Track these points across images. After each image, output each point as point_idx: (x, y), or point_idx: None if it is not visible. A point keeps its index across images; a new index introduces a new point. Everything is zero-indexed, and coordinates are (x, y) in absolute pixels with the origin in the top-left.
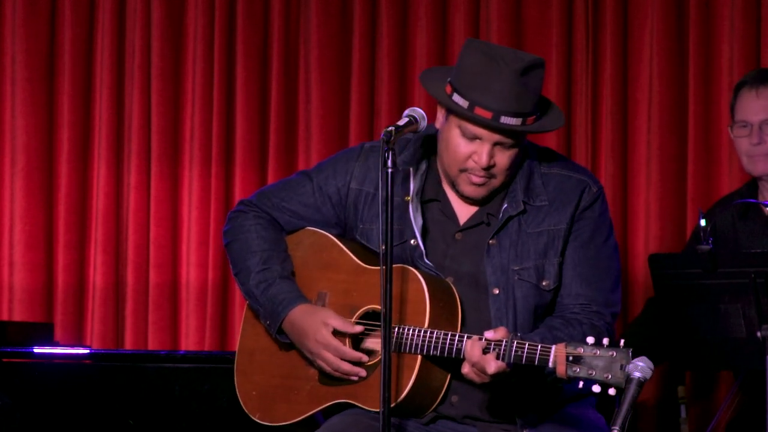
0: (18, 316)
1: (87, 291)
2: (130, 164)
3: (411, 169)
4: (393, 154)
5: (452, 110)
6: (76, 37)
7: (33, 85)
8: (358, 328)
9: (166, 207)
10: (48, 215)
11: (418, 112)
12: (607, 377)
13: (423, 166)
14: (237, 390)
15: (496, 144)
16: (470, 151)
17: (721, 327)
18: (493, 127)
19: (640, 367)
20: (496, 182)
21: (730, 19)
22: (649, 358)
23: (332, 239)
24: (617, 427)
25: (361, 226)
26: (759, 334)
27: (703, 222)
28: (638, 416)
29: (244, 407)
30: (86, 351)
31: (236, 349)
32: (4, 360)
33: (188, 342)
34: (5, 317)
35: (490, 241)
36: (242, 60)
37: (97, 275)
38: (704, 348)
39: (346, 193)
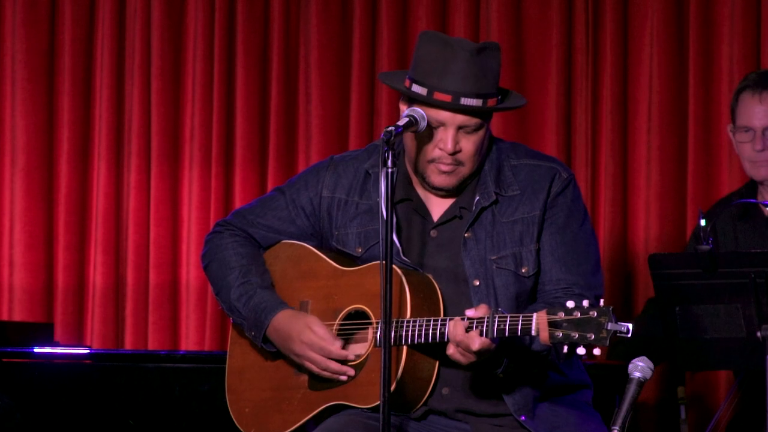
0: (18, 316)
1: (87, 291)
2: (130, 164)
3: (392, 170)
4: (393, 155)
5: (413, 100)
6: (76, 37)
7: (33, 85)
8: (338, 345)
9: (166, 207)
10: (48, 215)
11: (418, 112)
12: (590, 337)
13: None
14: (230, 409)
15: (460, 129)
16: (436, 139)
17: (721, 327)
18: (453, 108)
19: (640, 367)
20: (464, 170)
21: (730, 19)
22: (649, 358)
23: (309, 248)
24: (617, 427)
25: (336, 233)
26: (759, 334)
27: (703, 222)
28: (638, 416)
29: (238, 425)
30: (86, 351)
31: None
32: (4, 360)
33: (188, 342)
34: (5, 317)
35: (466, 234)
36: (242, 60)
37: (97, 275)
38: (704, 348)
39: (318, 202)
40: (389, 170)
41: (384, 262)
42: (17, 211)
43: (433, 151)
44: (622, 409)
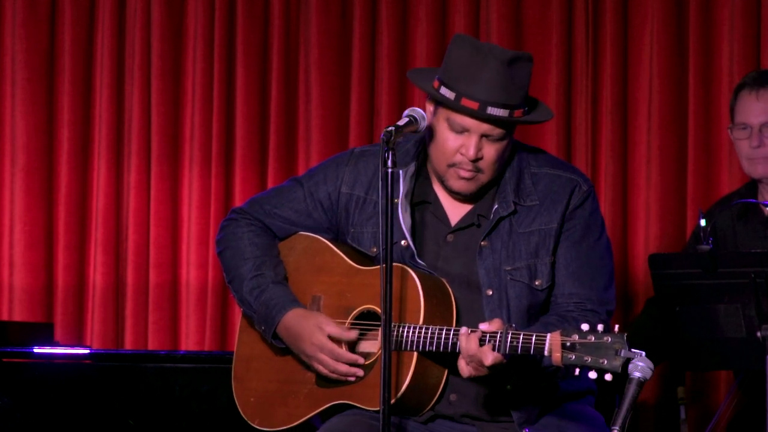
0: (18, 316)
1: (87, 291)
2: (130, 164)
3: (400, 171)
4: (393, 154)
5: (440, 103)
6: (76, 37)
7: (33, 85)
8: (353, 335)
9: (166, 207)
10: (48, 215)
11: (418, 112)
12: (603, 363)
13: (412, 168)
14: (235, 398)
15: (483, 136)
16: (458, 144)
17: (721, 327)
18: (479, 116)
19: (640, 367)
20: (484, 177)
21: (730, 19)
22: (649, 358)
23: (325, 243)
24: (617, 427)
25: (352, 230)
26: (759, 334)
27: (703, 222)
28: (638, 416)
29: (242, 414)
30: (86, 351)
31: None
32: (4, 360)
33: (188, 342)
34: (5, 317)
35: (482, 243)
36: (242, 60)
37: (97, 275)
38: (704, 348)
39: (336, 197)
40: (389, 170)
41: (384, 265)
42: (17, 211)
43: (455, 155)
44: (622, 409)
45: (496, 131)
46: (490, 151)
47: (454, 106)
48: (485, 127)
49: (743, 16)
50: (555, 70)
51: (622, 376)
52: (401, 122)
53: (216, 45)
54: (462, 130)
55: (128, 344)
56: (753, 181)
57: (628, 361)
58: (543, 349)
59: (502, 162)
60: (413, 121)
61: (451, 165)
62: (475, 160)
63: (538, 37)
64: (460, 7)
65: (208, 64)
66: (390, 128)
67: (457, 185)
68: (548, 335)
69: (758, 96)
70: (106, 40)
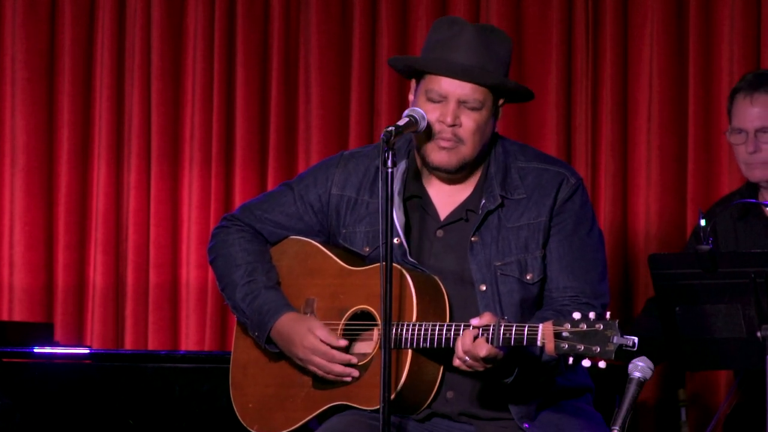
0: (18, 316)
1: (87, 291)
2: (130, 164)
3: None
4: (393, 155)
5: (419, 74)
6: (76, 37)
7: (33, 85)
8: (343, 342)
9: (166, 207)
10: (48, 215)
11: (418, 112)
12: (595, 350)
13: (403, 166)
14: (233, 404)
15: (461, 103)
16: (438, 114)
17: (721, 327)
18: (453, 71)
19: (640, 367)
20: (464, 150)
21: (730, 19)
22: (650, 358)
23: (316, 245)
24: (617, 427)
25: (344, 231)
26: (759, 334)
27: (703, 222)
28: (638, 417)
29: (242, 421)
30: (86, 351)
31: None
32: (4, 360)
33: (188, 342)
34: (5, 317)
35: (473, 239)
36: (242, 60)
37: (97, 275)
38: (704, 348)
39: (327, 199)
40: (389, 170)
41: (384, 263)
42: (17, 211)
43: (434, 125)
44: (622, 409)
45: (473, 97)
46: (468, 119)
47: (429, 65)
48: (460, 92)
49: (743, 16)
50: (555, 70)
51: (622, 373)
52: (401, 122)
53: (216, 45)
54: (440, 99)
55: (128, 344)
56: None
57: (621, 347)
58: (536, 339)
59: (483, 138)
60: (413, 121)
61: (432, 136)
62: (453, 126)
63: (538, 37)
64: (460, 6)
65: (208, 64)
66: (390, 128)
67: (438, 158)
68: (540, 325)
69: (753, 101)
70: (106, 40)
